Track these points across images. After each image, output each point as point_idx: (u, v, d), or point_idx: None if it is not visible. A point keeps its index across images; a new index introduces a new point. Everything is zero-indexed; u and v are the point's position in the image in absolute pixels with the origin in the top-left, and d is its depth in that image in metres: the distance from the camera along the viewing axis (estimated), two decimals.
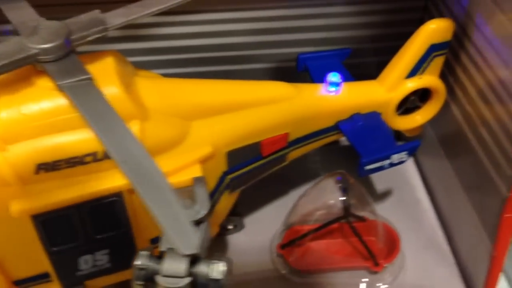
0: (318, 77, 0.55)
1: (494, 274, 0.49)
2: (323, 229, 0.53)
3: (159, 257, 0.40)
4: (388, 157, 0.49)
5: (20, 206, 0.42)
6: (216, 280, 0.39)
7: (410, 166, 0.65)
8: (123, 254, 0.48)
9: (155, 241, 0.49)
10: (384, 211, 0.57)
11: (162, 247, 0.40)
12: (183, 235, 0.34)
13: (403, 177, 0.63)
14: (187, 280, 0.38)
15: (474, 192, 0.52)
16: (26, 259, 0.46)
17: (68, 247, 0.46)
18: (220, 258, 0.40)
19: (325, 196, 0.53)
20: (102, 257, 0.48)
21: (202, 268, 0.39)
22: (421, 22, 0.57)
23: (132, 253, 0.48)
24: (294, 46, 0.61)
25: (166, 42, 0.59)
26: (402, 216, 0.58)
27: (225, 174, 0.48)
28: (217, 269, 0.40)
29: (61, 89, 0.38)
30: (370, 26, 0.61)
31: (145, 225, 0.47)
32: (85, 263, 0.47)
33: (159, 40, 0.59)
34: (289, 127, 0.50)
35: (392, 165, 0.50)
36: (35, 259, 0.46)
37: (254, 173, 0.51)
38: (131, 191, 0.44)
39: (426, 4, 0.60)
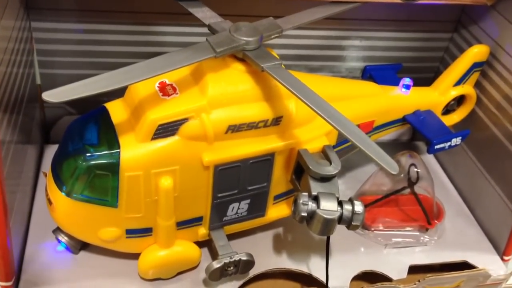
0: (381, 83, 0.71)
1: None
2: (390, 196, 0.69)
3: (314, 198, 0.54)
4: (449, 140, 0.66)
5: (210, 158, 0.53)
6: (358, 214, 0.54)
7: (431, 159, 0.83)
8: (257, 205, 0.60)
9: (277, 197, 0.63)
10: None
11: (314, 191, 0.55)
12: (387, 163, 0.48)
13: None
14: (339, 212, 0.53)
15: (496, 173, 0.70)
16: (193, 203, 0.56)
17: (227, 195, 0.57)
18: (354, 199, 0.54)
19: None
20: (244, 206, 0.59)
21: (347, 206, 0.54)
22: (447, 49, 0.76)
23: (263, 206, 0.63)
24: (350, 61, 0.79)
25: None
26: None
27: (333, 147, 0.63)
28: (358, 206, 0.54)
29: (264, 70, 0.51)
30: (407, 50, 0.79)
31: (277, 183, 0.59)
32: (232, 210, 0.59)
33: None
34: (375, 115, 0.66)
35: (450, 147, 0.67)
36: (200, 203, 0.57)
37: (348, 150, 0.66)
38: (279, 152, 0.57)
39: (452, 35, 0.79)
